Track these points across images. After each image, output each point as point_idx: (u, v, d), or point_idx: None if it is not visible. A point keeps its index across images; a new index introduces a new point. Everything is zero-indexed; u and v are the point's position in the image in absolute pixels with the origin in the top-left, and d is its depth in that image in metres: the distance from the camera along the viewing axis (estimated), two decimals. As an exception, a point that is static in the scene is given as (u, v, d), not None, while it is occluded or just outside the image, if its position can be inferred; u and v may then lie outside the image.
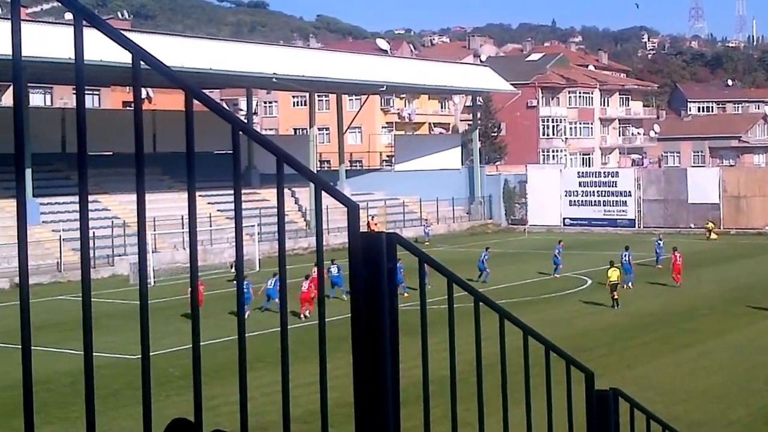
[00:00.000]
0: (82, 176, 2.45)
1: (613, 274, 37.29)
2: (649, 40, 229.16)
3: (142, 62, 2.52)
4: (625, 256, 42.99)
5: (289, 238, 53.83)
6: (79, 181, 2.48)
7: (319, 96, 78.02)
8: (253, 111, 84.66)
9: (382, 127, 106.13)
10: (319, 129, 78.17)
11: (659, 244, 50.27)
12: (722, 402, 23.21)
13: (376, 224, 63.12)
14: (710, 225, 67.91)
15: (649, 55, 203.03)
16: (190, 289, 2.73)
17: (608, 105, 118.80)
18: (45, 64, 43.15)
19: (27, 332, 2.36)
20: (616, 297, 36.81)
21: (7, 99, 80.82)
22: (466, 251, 59.68)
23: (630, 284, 41.41)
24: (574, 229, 73.63)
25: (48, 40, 41.72)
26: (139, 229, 2.59)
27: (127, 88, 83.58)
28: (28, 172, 48.44)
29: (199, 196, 54.09)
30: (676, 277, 41.97)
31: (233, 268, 46.96)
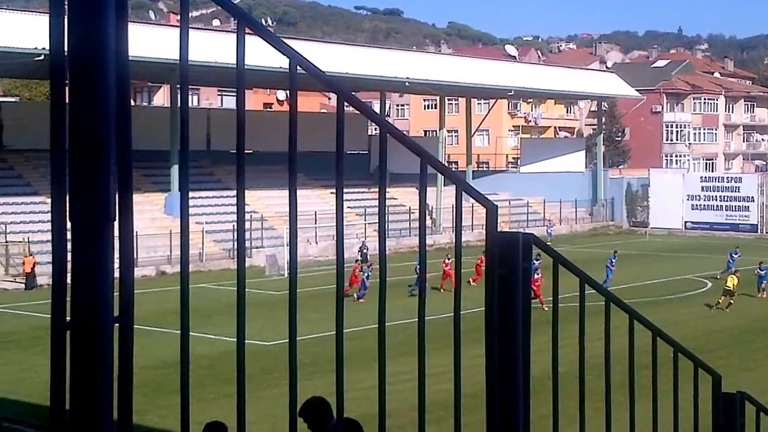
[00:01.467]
0: (240, 175, 2.58)
1: (731, 282, 38.14)
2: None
3: (298, 67, 2.58)
4: (736, 255, 45.28)
5: (414, 236, 56.30)
6: (237, 180, 2.64)
7: (449, 100, 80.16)
8: (386, 113, 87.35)
9: (509, 130, 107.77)
10: (448, 131, 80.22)
11: (733, 255, 48.45)
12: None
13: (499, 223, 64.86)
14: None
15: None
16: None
17: (733, 111, 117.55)
18: (194, 66, 46.45)
19: (186, 319, 2.43)
20: (732, 301, 37.67)
21: (159, 99, 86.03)
22: (589, 251, 61.11)
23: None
24: (695, 232, 73.97)
25: (197, 45, 45.00)
26: (290, 225, 2.74)
27: (268, 90, 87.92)
28: (175, 168, 52.00)
29: (330, 193, 57.14)
30: None
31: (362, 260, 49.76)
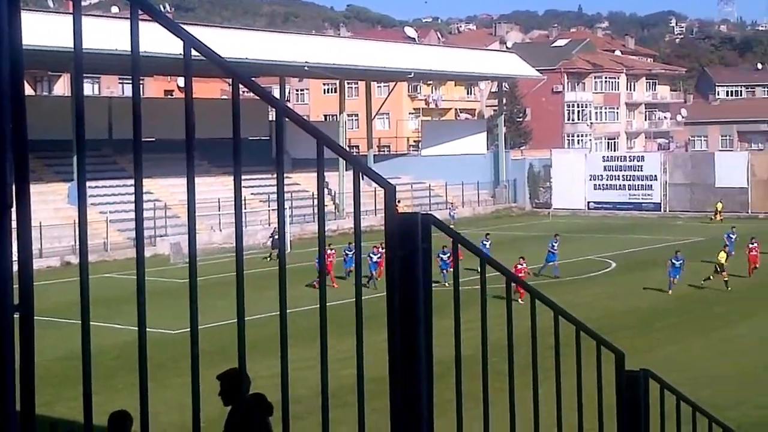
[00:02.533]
0: (137, 163, 2.54)
1: (722, 257, 38.25)
2: (677, 25, 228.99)
3: (193, 51, 2.54)
4: (731, 236, 45.29)
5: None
6: (134, 168, 2.59)
7: (348, 83, 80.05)
8: (286, 98, 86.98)
9: (410, 113, 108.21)
10: (349, 115, 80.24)
11: (731, 236, 47.88)
12: (750, 386, 23.21)
13: (401, 207, 65.21)
14: (719, 206, 69.16)
15: (677, 40, 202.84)
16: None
17: (635, 90, 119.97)
18: (92, 54, 45.51)
19: (86, 310, 2.39)
20: (725, 278, 37.49)
21: (59, 89, 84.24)
22: (492, 233, 61.71)
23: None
24: (598, 212, 75.15)
25: (96, 33, 44.08)
26: (189, 212, 2.73)
27: (169, 77, 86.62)
28: (76, 158, 51.12)
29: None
30: (750, 269, 40.91)
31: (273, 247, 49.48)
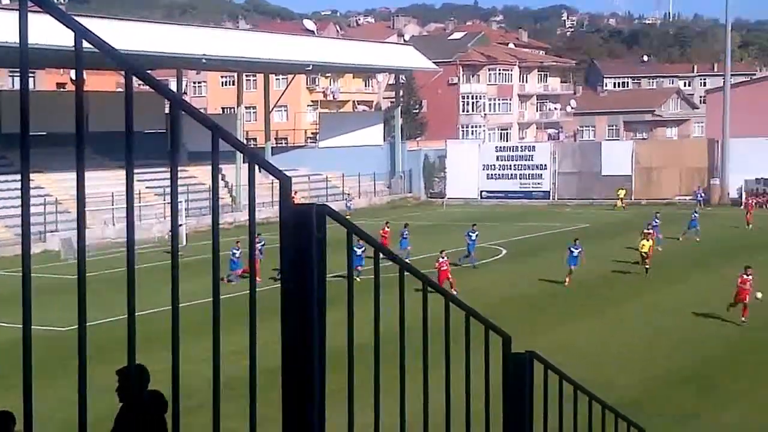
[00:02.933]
0: (24, 158, 2.46)
1: (646, 245, 38.62)
2: (568, 18, 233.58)
3: (85, 43, 2.50)
4: (654, 223, 45.84)
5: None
6: (21, 163, 2.49)
7: (246, 76, 79.53)
8: (183, 91, 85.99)
9: (308, 106, 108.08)
10: (247, 108, 79.69)
11: (695, 216, 50.09)
12: (629, 364, 24.14)
13: (298, 199, 65.27)
14: (622, 193, 70.97)
15: (568, 33, 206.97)
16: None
17: (527, 81, 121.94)
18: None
19: None
20: (648, 266, 38.05)
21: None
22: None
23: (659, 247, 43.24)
24: (491, 201, 76.39)
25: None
26: (78, 207, 2.59)
27: (62, 70, 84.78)
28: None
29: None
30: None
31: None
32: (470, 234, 42.33)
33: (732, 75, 75.25)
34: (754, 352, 25.21)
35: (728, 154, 70.81)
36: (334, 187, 75.05)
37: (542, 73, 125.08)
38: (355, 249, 33.20)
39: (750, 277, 28.64)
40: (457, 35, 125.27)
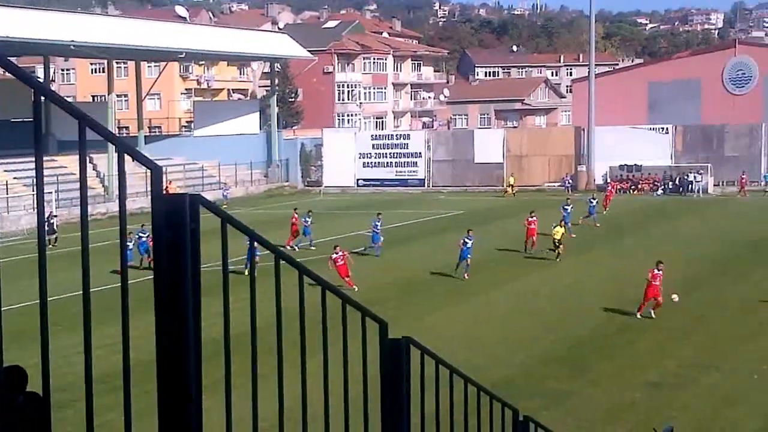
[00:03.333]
0: None
1: (558, 232, 38.87)
2: (440, 8, 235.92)
3: None
4: (568, 207, 46.48)
5: (89, 204, 54.61)
6: None
7: (117, 63, 77.84)
8: (51, 78, 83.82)
9: (181, 94, 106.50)
10: (118, 96, 78.14)
11: (592, 203, 50.74)
12: (503, 346, 24.67)
13: (174, 188, 64.44)
14: (512, 180, 72.16)
15: (440, 23, 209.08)
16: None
17: (401, 70, 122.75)
18: None
19: None
20: (560, 251, 38.45)
21: None
22: (265, 212, 61.98)
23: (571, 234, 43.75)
24: (368, 189, 76.84)
25: None
26: None
27: None
28: None
29: (-4, 164, 54.32)
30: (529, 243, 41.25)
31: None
32: (376, 223, 42.39)
33: (596, 65, 77.19)
34: (620, 333, 25.98)
35: (594, 142, 72.80)
36: (210, 177, 74.34)
37: (416, 62, 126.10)
38: (306, 223, 33.16)
39: (661, 272, 27.30)
40: (331, 24, 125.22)
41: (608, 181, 69.50)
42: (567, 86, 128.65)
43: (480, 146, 77.32)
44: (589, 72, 74.52)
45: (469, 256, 34.81)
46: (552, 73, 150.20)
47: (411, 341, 5.45)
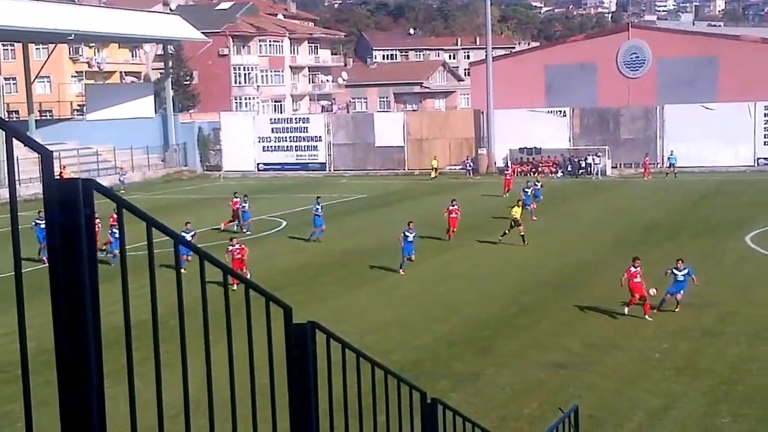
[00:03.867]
0: None
1: (516, 212, 38.03)
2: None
3: None
4: (529, 189, 45.89)
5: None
6: None
7: (4, 45, 75.95)
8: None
9: (72, 77, 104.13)
10: (6, 79, 76.04)
11: (537, 187, 50.12)
12: (410, 329, 24.76)
13: (68, 173, 63.03)
14: (435, 163, 72.10)
15: (336, 5, 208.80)
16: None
17: (298, 53, 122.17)
18: None
19: None
20: (522, 233, 37.39)
21: None
22: (163, 197, 61.17)
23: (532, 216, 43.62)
24: (268, 173, 76.46)
25: None
26: None
27: None
28: None
29: None
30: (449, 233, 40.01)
31: None
32: (316, 207, 41.86)
33: (493, 48, 77.90)
34: (524, 314, 26.26)
35: (493, 125, 73.53)
36: (106, 161, 72.97)
37: (313, 44, 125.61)
38: (184, 234, 31.60)
39: (639, 269, 25.13)
40: (224, 5, 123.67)
41: (508, 164, 70.26)
42: (465, 69, 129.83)
43: (380, 130, 77.49)
44: (486, 55, 75.09)
45: (413, 252, 33.18)
46: (450, 56, 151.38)
47: (316, 326, 5.37)
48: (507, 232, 38.05)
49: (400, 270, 32.85)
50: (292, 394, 5.36)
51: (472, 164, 72.61)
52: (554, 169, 70.03)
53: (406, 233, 33.32)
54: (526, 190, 47.20)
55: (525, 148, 71.80)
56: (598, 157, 69.47)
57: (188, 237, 31.26)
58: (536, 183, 50.85)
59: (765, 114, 68.73)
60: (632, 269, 25.02)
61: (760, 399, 18.33)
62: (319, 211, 41.53)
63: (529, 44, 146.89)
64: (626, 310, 25.30)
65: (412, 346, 23.19)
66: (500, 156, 73.13)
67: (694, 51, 78.33)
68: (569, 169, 70.11)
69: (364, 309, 27.57)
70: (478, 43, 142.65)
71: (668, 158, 67.28)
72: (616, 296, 27.81)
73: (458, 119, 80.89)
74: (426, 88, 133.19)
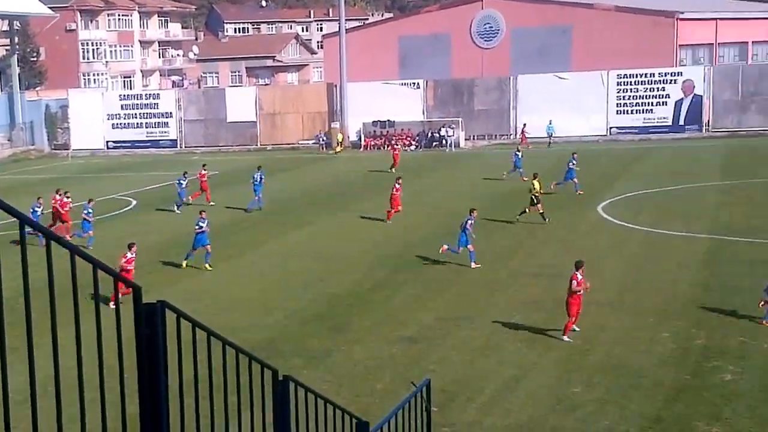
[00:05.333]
0: None
1: (537, 185, 35.52)
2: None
3: None
4: (572, 162, 42.87)
5: None
6: None
7: None
8: None
9: None
10: None
11: (518, 155, 48.80)
12: (263, 307, 24.69)
13: None
14: (340, 137, 71.02)
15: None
16: None
17: (147, 27, 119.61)
18: None
19: None
20: (541, 211, 35.14)
21: None
22: (11, 178, 59.29)
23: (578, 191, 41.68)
24: (118, 151, 74.74)
25: None
26: None
27: None
28: None
29: None
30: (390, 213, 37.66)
31: None
32: (256, 175, 42.11)
33: (346, 20, 77.50)
34: (377, 290, 26.42)
35: (347, 99, 73.47)
36: (-54, 142, 70.21)
37: (163, 18, 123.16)
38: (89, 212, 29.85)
39: (582, 277, 20.84)
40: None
41: (362, 137, 70.53)
42: (318, 42, 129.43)
43: (232, 105, 76.59)
44: (339, 27, 74.72)
45: (208, 242, 30.14)
46: (302, 28, 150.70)
47: (166, 305, 5.27)
48: (527, 210, 35.33)
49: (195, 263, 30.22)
50: (142, 376, 5.24)
51: (325, 138, 72.56)
52: (408, 142, 70.05)
53: (200, 223, 30.26)
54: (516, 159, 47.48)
55: (379, 121, 71.83)
56: (452, 129, 69.57)
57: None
58: (517, 152, 49.71)
59: (618, 83, 69.52)
60: (579, 276, 20.69)
61: (610, 368, 18.73)
62: (259, 180, 41.86)
63: (382, 15, 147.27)
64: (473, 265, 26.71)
65: (265, 324, 23.14)
66: (354, 129, 73.22)
67: (548, 20, 79.40)
68: (424, 142, 70.05)
69: (217, 288, 27.34)
70: (331, 15, 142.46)
71: (547, 128, 66.32)
72: (470, 268, 28.42)
73: (311, 93, 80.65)
74: (279, 61, 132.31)
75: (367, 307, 24.55)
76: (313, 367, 19.58)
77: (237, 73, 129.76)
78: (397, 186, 37.83)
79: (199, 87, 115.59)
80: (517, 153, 49.46)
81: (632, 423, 15.98)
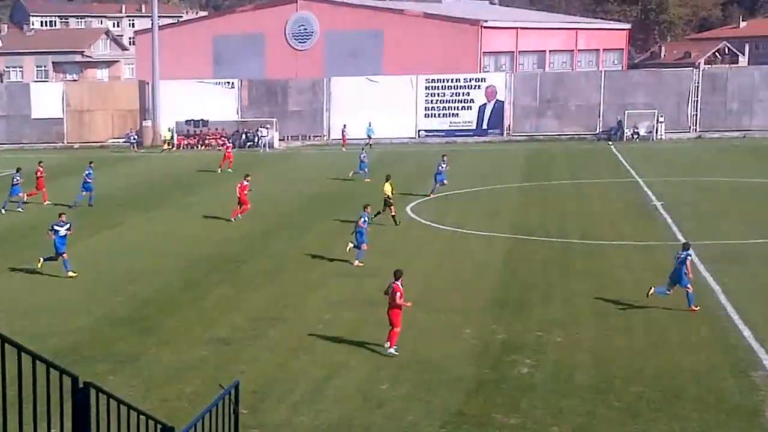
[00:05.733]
0: None
1: (388, 189, 35.41)
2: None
3: None
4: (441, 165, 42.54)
5: None
6: None
7: None
8: None
9: None
10: None
11: (363, 158, 48.38)
12: (68, 312, 23.87)
13: None
14: (168, 136, 69.60)
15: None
16: None
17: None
18: None
19: None
20: (393, 214, 35.28)
21: None
22: None
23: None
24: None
25: None
26: None
27: None
28: None
29: None
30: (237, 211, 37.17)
31: None
32: (89, 172, 41.54)
33: (159, 17, 76.40)
34: (188, 290, 26.15)
35: (159, 97, 72.30)
36: None
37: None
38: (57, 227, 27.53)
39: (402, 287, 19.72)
40: None
41: (175, 136, 69.58)
42: (130, 38, 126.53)
43: (37, 101, 74.25)
44: (152, 24, 73.48)
45: (64, 247, 28.06)
46: (114, 23, 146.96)
47: None
48: (381, 212, 35.03)
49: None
50: None
51: (136, 137, 71.15)
52: (221, 142, 69.33)
53: (56, 227, 28.11)
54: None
55: (192, 120, 70.99)
56: (266, 129, 69.62)
57: (63, 231, 27.94)
58: (362, 153, 49.52)
59: (426, 87, 71.28)
60: (401, 285, 19.57)
61: (415, 365, 19.16)
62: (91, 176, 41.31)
63: (197, 13, 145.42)
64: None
65: (70, 329, 22.38)
66: (166, 128, 72.05)
67: (360, 24, 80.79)
68: (239, 142, 69.50)
69: (16, 292, 26.39)
70: (143, 11, 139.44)
71: (366, 129, 67.12)
72: (282, 269, 28.59)
73: (122, 90, 79.00)
74: (88, 57, 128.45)
75: (177, 308, 24.20)
76: (120, 372, 19.12)
77: (43, 68, 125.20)
78: (245, 183, 37.30)
79: (2, 81, 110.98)
80: (362, 154, 49.52)
81: (436, 417, 16.43)
